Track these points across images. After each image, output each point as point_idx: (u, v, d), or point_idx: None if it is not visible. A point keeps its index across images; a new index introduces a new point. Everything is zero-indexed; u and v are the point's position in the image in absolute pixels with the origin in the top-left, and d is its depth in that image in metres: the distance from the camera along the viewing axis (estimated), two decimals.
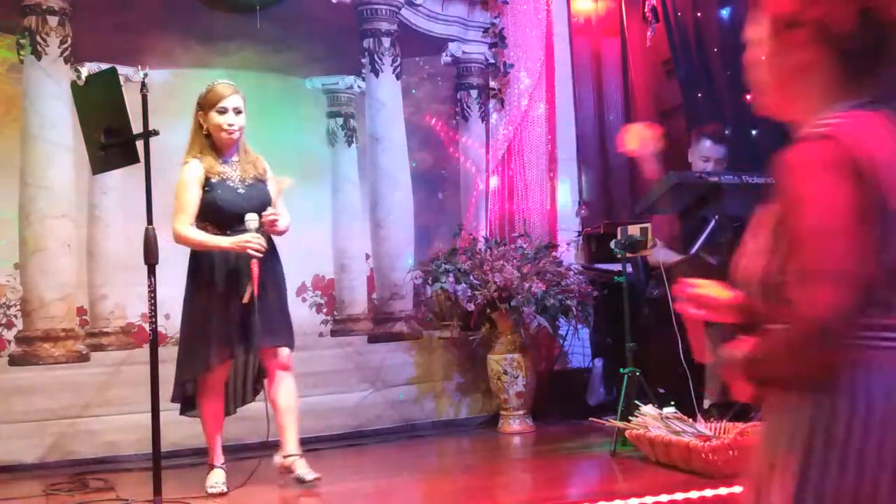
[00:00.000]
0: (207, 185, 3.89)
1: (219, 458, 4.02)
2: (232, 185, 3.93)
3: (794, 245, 1.45)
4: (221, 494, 3.89)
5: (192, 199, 3.87)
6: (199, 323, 3.89)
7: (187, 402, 4.03)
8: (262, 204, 3.94)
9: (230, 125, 3.93)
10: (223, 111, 3.92)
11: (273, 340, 3.95)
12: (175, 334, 4.98)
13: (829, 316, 1.41)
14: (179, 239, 3.87)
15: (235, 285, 3.86)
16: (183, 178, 3.91)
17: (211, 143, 3.96)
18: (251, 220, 3.83)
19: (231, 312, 3.86)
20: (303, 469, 3.92)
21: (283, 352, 3.99)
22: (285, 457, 3.96)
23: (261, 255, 3.80)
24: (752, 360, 1.52)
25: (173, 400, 3.99)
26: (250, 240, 3.79)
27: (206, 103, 3.94)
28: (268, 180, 4.03)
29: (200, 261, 3.92)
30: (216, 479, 3.96)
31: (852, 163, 1.41)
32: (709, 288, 1.66)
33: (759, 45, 1.56)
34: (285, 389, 3.96)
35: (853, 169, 1.41)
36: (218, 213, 3.87)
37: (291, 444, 3.95)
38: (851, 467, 1.44)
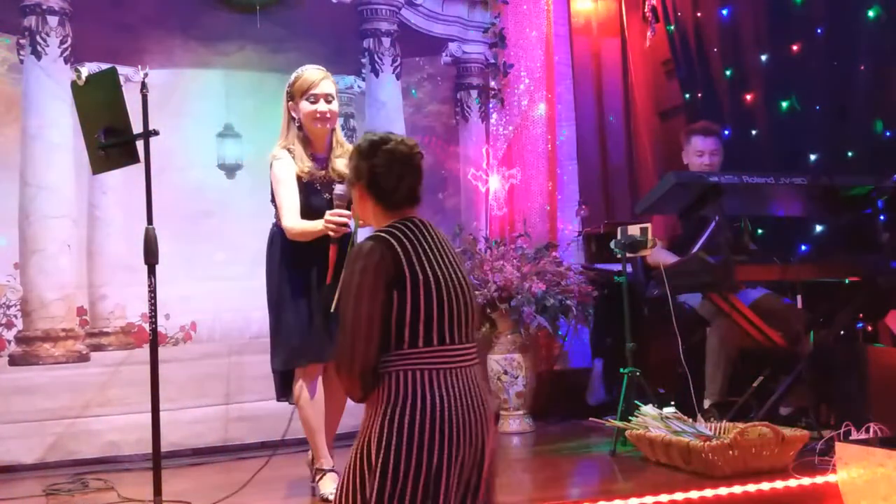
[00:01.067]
0: (297, 183, 3.66)
1: (328, 460, 3.71)
2: (319, 188, 3.69)
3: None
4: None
5: (291, 192, 3.62)
6: (293, 314, 3.65)
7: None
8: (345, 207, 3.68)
9: (321, 113, 3.67)
10: (314, 99, 3.68)
11: None
12: (175, 334, 5.01)
13: (344, 357, 2.38)
14: (292, 234, 3.61)
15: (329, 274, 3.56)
16: (276, 174, 3.66)
17: (304, 135, 3.71)
18: (339, 190, 3.53)
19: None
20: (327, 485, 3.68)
21: None
22: (316, 467, 3.77)
23: (336, 234, 3.46)
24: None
25: (280, 398, 3.80)
26: (330, 217, 3.46)
27: (296, 91, 3.70)
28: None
29: (294, 250, 3.66)
30: (332, 486, 3.58)
31: (380, 257, 2.39)
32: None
33: None
34: (342, 401, 3.77)
35: (378, 261, 2.38)
36: (305, 217, 3.63)
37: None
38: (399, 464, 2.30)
